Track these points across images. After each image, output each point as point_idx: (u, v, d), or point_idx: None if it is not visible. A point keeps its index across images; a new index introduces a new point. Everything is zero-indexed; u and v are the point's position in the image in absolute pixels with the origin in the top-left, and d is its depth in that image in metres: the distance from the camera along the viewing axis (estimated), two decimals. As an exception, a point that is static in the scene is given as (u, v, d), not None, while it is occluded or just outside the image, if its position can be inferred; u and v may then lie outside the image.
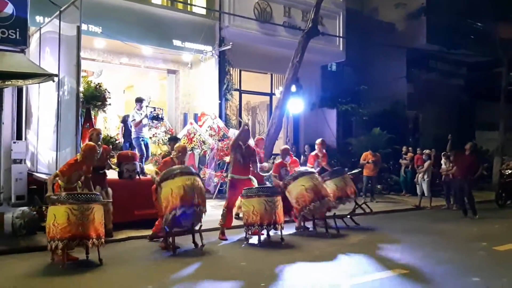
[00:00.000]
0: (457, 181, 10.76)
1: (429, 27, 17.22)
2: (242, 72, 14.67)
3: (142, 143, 9.76)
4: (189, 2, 12.36)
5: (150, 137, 12.00)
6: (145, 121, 10.04)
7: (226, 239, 7.30)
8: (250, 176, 7.34)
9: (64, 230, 5.37)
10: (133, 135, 9.75)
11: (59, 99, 8.52)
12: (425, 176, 12.21)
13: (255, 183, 7.26)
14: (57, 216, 5.45)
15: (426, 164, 12.25)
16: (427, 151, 12.54)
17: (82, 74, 9.53)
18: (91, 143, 6.74)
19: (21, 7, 9.16)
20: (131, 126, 9.78)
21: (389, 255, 6.55)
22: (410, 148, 14.47)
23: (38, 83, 7.71)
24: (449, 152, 11.13)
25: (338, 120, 16.16)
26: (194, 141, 11.87)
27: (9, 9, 9.05)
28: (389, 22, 18.23)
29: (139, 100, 9.86)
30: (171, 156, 7.24)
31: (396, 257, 6.43)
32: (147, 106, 10.15)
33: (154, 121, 10.51)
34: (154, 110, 10.35)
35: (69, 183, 6.05)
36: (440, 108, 17.45)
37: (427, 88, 17.18)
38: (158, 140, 12.26)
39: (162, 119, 10.55)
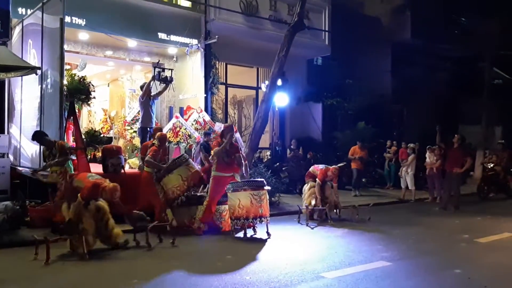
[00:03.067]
0: (447, 174, 10.89)
1: (414, 21, 17.39)
2: (228, 65, 14.60)
3: (149, 133, 9.30)
4: (174, -4, 12.23)
5: (135, 131, 11.92)
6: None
7: (201, 234, 7.29)
8: (233, 173, 7.39)
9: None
10: (139, 124, 9.36)
11: (42, 92, 8.43)
12: (409, 170, 12.36)
13: (238, 180, 7.33)
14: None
15: (410, 158, 12.39)
16: (411, 145, 12.68)
17: (66, 67, 9.41)
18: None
19: (3, -1, 9.04)
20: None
21: (372, 248, 6.64)
22: (394, 142, 14.63)
23: (21, 75, 7.62)
24: (438, 143, 11.15)
25: (324, 114, 16.22)
26: (179, 135, 11.78)
27: (-9, 0, 8.91)
28: (375, 17, 18.34)
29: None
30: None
31: (380, 250, 6.53)
32: (160, 69, 9.40)
33: (161, 83, 9.93)
34: (163, 70, 9.72)
35: None
36: (424, 102, 17.61)
37: (411, 82, 17.32)
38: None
39: (171, 81, 9.89)
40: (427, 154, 12.33)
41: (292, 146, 13.39)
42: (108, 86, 15.94)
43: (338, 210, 9.13)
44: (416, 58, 17.64)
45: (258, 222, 7.06)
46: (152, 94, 9.53)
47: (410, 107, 17.78)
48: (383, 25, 18.25)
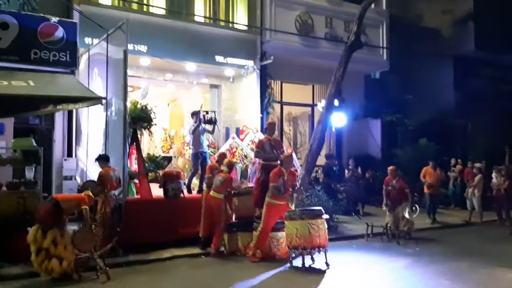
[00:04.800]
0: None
1: (478, 32, 16.60)
2: (283, 83, 14.62)
3: (201, 157, 9.55)
4: (230, 19, 12.44)
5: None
6: (208, 127, 9.86)
7: (257, 261, 7.27)
8: (287, 199, 7.35)
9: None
10: (191, 150, 9.70)
11: (107, 119, 8.81)
12: (476, 191, 11.74)
13: (292, 207, 7.28)
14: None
15: (476, 179, 11.77)
16: (477, 164, 12.07)
17: (128, 90, 9.77)
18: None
19: (71, 30, 9.56)
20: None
21: (439, 283, 6.31)
22: (459, 160, 13.97)
23: (87, 106, 8.00)
24: (508, 166, 10.54)
25: (383, 131, 15.78)
26: (236, 155, 11.91)
27: (60, 32, 9.45)
28: (435, 28, 17.70)
29: (194, 114, 9.74)
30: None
31: (446, 285, 6.19)
32: (205, 111, 9.91)
33: (207, 125, 10.17)
34: (207, 113, 10.15)
35: None
36: (490, 117, 16.69)
37: (476, 96, 16.51)
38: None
39: (215, 121, 10.20)
40: (494, 174, 11.66)
41: (350, 166, 13.12)
42: (168, 105, 16.43)
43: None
44: (481, 70, 16.82)
45: (316, 252, 6.93)
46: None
47: (474, 123, 16.93)
48: (444, 37, 17.58)
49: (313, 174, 12.81)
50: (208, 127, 9.98)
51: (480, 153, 14.52)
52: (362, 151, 15.16)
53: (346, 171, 12.81)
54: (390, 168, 9.86)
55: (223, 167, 8.17)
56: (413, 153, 13.90)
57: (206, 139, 10.09)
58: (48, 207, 6.09)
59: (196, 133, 9.47)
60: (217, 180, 7.87)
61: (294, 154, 10.09)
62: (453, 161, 14.08)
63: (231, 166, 8.34)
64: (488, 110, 16.60)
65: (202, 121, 9.56)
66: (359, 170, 13.12)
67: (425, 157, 13.05)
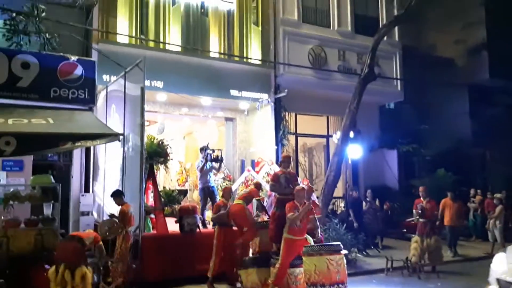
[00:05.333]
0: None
1: (492, 61, 16.61)
2: (298, 115, 14.69)
3: (207, 191, 9.77)
4: (245, 54, 12.65)
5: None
6: (209, 165, 10.20)
7: None
8: (306, 236, 7.24)
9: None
10: (199, 185, 9.90)
11: (124, 154, 8.91)
12: (497, 222, 11.47)
13: (311, 242, 7.16)
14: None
15: (497, 210, 11.53)
16: (497, 195, 11.84)
17: (145, 124, 9.94)
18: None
19: (90, 68, 9.82)
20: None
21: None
22: (478, 191, 13.73)
23: (105, 143, 8.10)
24: None
25: (400, 161, 15.65)
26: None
27: (79, 71, 9.71)
28: (448, 58, 17.75)
29: (202, 149, 10.04)
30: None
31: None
32: (211, 149, 10.32)
33: (213, 163, 10.56)
34: (213, 151, 10.58)
35: None
36: (509, 145, 16.46)
37: (493, 124, 16.34)
38: (217, 187, 12.41)
39: (221, 160, 10.68)
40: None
41: (367, 198, 12.95)
42: (184, 138, 16.57)
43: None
44: (496, 99, 16.72)
45: (335, 289, 6.77)
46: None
47: (492, 151, 16.72)
48: (458, 66, 17.61)
49: (330, 207, 12.70)
50: (215, 164, 10.33)
51: (500, 182, 14.27)
52: (379, 182, 15.01)
53: (364, 203, 12.64)
54: (421, 187, 9.78)
55: (239, 201, 8.15)
56: (431, 184, 13.63)
57: (213, 175, 10.51)
58: (74, 245, 6.08)
59: (204, 170, 9.83)
60: (243, 191, 7.91)
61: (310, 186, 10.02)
62: (472, 191, 13.84)
63: (258, 185, 8.55)
64: (505, 138, 16.39)
65: (209, 159, 9.89)
66: (377, 202, 12.93)
67: (443, 188, 12.86)
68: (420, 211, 9.32)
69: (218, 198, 9.93)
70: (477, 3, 16.89)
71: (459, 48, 17.33)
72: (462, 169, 14.97)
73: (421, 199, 9.57)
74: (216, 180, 12.46)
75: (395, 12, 14.13)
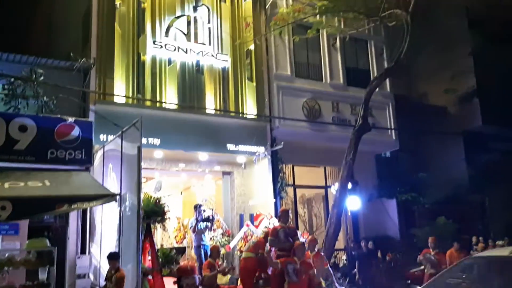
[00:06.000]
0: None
1: (484, 108, 16.90)
2: (295, 167, 14.71)
3: (202, 251, 9.85)
4: (240, 110, 12.85)
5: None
6: (204, 224, 10.22)
7: None
8: None
9: None
10: (194, 243, 9.90)
11: (121, 214, 8.80)
12: (502, 270, 11.21)
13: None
14: None
15: (501, 257, 11.30)
16: (499, 242, 11.70)
17: (142, 180, 9.95)
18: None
19: (87, 129, 9.84)
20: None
21: None
22: (480, 238, 13.55)
23: (102, 204, 8.04)
24: None
25: (399, 210, 15.54)
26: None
27: (76, 132, 9.73)
28: (441, 106, 18.06)
29: (195, 207, 10.16)
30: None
31: None
32: (201, 210, 10.44)
33: (205, 222, 10.79)
34: (204, 211, 10.77)
35: None
36: (508, 190, 16.44)
37: (490, 170, 16.39)
38: (216, 243, 12.22)
39: (213, 219, 10.91)
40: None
41: (370, 248, 12.74)
42: (181, 194, 16.50)
43: None
44: (492, 145, 16.85)
45: None
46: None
47: (492, 198, 16.65)
48: (450, 114, 17.90)
49: (332, 260, 12.47)
50: (206, 224, 10.66)
51: (501, 229, 14.11)
52: (380, 232, 14.81)
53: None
54: (430, 238, 9.61)
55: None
56: (432, 233, 13.47)
57: (207, 233, 10.80)
58: None
59: (197, 230, 10.14)
60: (250, 241, 8.10)
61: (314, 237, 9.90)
62: (474, 239, 13.67)
63: (267, 236, 8.48)
64: (504, 184, 16.39)
65: (200, 219, 9.98)
66: (379, 254, 12.71)
67: (445, 236, 12.69)
68: (432, 257, 9.14)
69: None
70: (465, 53, 17.42)
71: (450, 96, 17.69)
72: (463, 216, 14.85)
73: (430, 249, 9.44)
74: (215, 236, 12.36)
75: (385, 65, 14.55)
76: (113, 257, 7.52)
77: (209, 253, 9.82)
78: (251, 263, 7.93)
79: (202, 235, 10.04)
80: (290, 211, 9.03)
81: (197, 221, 10.01)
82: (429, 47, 16.89)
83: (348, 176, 10.88)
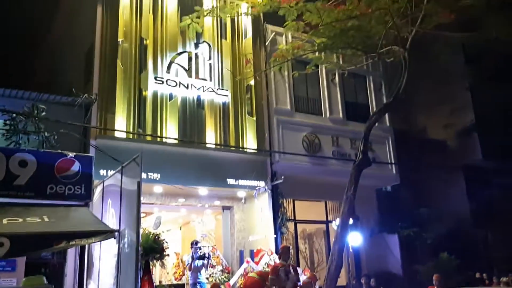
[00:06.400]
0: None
1: (483, 142, 16.94)
2: (296, 201, 14.61)
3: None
4: (240, 144, 12.89)
5: (207, 277, 11.89)
6: (200, 262, 10.11)
7: None
8: None
9: None
10: (190, 281, 9.77)
11: (119, 251, 8.68)
12: (508, 308, 11.00)
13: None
14: None
15: (506, 294, 11.11)
16: (504, 278, 11.49)
17: (141, 215, 9.88)
18: None
19: (87, 164, 9.84)
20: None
21: None
22: (484, 275, 13.31)
23: (100, 240, 7.94)
24: None
25: (401, 246, 15.32)
26: (251, 280, 11.48)
27: (76, 166, 9.73)
28: (440, 140, 18.12)
29: (192, 244, 10.13)
30: None
31: None
32: (198, 247, 10.39)
33: (201, 260, 10.81)
34: (200, 249, 10.82)
35: None
36: (511, 225, 16.28)
37: (492, 204, 16.29)
38: (215, 280, 12.01)
39: (209, 257, 10.95)
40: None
41: (372, 285, 12.49)
42: (180, 229, 16.34)
43: None
44: (492, 179, 16.79)
45: None
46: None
47: (495, 232, 16.46)
48: (450, 148, 17.93)
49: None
50: (202, 262, 10.75)
51: (504, 265, 13.87)
52: (382, 268, 14.56)
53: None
54: (435, 276, 9.44)
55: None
56: (435, 269, 13.26)
57: (204, 271, 10.92)
58: None
59: (193, 268, 10.22)
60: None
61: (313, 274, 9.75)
62: (477, 275, 13.42)
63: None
64: (506, 219, 16.24)
65: (196, 257, 9.96)
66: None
67: (448, 273, 12.47)
68: None
69: None
70: (463, 88, 17.62)
71: (450, 131, 17.78)
72: (465, 251, 14.63)
73: (434, 287, 9.27)
74: (214, 273, 12.16)
75: (384, 99, 14.68)
76: None
77: None
78: (253, 282, 7.77)
79: (198, 273, 9.98)
80: (291, 248, 8.91)
81: (193, 258, 9.95)
82: (427, 82, 17.09)
83: (349, 211, 10.73)
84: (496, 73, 16.78)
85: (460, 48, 16.92)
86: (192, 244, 10.45)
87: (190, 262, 9.99)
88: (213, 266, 12.25)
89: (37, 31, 19.06)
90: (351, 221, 10.97)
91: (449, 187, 16.81)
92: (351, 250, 13.26)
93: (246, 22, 14.12)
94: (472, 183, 17.03)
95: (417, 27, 9.91)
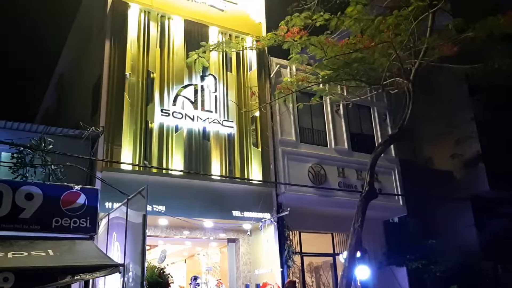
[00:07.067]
0: None
1: (490, 173, 16.80)
2: (302, 233, 14.44)
3: None
4: (246, 175, 12.88)
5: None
6: None
7: None
8: None
9: None
10: None
11: (124, 286, 8.57)
12: None
13: None
14: None
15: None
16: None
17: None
18: None
19: (93, 197, 9.90)
20: None
21: None
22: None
23: (105, 275, 7.88)
24: None
25: (410, 279, 15.01)
26: (258, 315, 11.29)
27: (82, 199, 9.78)
28: (447, 171, 18.02)
29: (191, 280, 10.06)
30: None
31: None
32: (197, 283, 10.33)
33: None
34: (199, 285, 10.91)
35: None
36: (521, 257, 16.00)
37: (501, 235, 16.00)
38: (221, 315, 11.82)
39: None
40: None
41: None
42: (185, 262, 16.16)
43: None
44: (500, 210, 16.56)
45: None
46: None
47: (504, 264, 16.12)
48: (457, 179, 17.80)
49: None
50: None
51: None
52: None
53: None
54: None
55: None
56: (446, 302, 13.03)
57: None
58: None
59: None
60: None
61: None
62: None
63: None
64: (516, 250, 15.96)
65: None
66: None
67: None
68: None
69: None
70: (468, 118, 17.63)
71: (456, 161, 17.70)
72: (475, 284, 14.33)
73: None
74: (219, 308, 11.96)
75: (389, 130, 14.70)
76: None
77: None
78: None
79: None
80: (297, 282, 8.75)
81: None
82: (432, 112, 17.13)
83: (357, 244, 10.58)
84: (501, 103, 16.82)
85: (463, 79, 17.01)
86: (191, 280, 10.37)
87: None
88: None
89: (46, 65, 19.44)
90: (358, 254, 10.83)
91: (457, 218, 16.61)
92: (359, 283, 12.99)
93: (251, 55, 14.35)
94: (480, 214, 16.80)
95: (420, 59, 10.00)
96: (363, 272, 11.87)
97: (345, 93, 14.12)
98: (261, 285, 12.30)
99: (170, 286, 8.66)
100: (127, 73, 12.06)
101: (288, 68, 14.68)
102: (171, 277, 8.74)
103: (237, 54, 14.05)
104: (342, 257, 11.76)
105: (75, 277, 7.10)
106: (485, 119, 17.45)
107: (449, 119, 17.74)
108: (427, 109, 16.15)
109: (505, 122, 16.75)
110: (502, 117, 16.89)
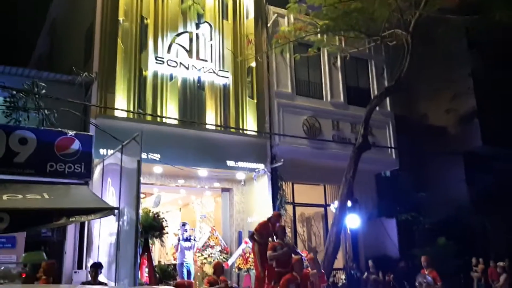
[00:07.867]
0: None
1: (484, 128, 16.88)
2: (295, 184, 14.63)
3: (185, 269, 9.94)
4: (241, 126, 12.87)
5: (205, 257, 12.01)
6: (186, 244, 10.33)
7: None
8: None
9: None
10: (178, 261, 9.97)
11: (119, 229, 8.73)
12: (503, 292, 11.12)
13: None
14: None
15: (502, 279, 11.27)
16: (500, 263, 11.58)
17: (141, 196, 9.95)
18: None
19: (87, 143, 9.90)
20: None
21: None
22: (480, 259, 13.40)
23: (100, 217, 8.01)
24: None
25: (399, 230, 15.39)
26: (249, 261, 11.60)
27: (76, 145, 9.79)
28: (441, 126, 18.08)
29: (180, 225, 10.36)
30: None
31: None
32: (185, 228, 10.62)
33: (187, 242, 11.10)
34: (187, 231, 11.14)
35: None
36: (509, 211, 16.32)
37: (491, 190, 16.27)
38: (214, 260, 12.12)
39: (194, 240, 11.37)
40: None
41: (371, 270, 12.56)
42: (180, 210, 16.41)
43: None
44: (492, 165, 16.76)
45: None
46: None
47: (493, 218, 16.50)
48: (451, 134, 17.89)
49: (331, 279, 12.33)
50: (187, 243, 10.99)
51: (502, 250, 13.96)
52: (379, 251, 14.63)
53: (366, 274, 12.27)
54: (423, 257, 9.53)
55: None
56: (432, 253, 13.35)
57: (193, 253, 11.31)
58: None
59: (180, 248, 10.54)
60: None
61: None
62: (474, 260, 13.54)
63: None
64: (505, 205, 16.27)
65: (182, 239, 10.69)
66: (380, 275, 12.56)
67: (446, 257, 12.55)
68: (428, 277, 9.03)
69: (192, 275, 10.24)
70: (465, 73, 17.50)
71: (451, 116, 17.73)
72: (463, 237, 14.68)
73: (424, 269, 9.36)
74: (213, 253, 12.26)
75: (386, 84, 14.61)
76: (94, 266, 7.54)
77: (192, 272, 10.02)
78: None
79: (183, 254, 10.27)
80: (282, 216, 9.02)
81: (179, 240, 10.26)
82: (429, 67, 16.97)
83: (348, 193, 10.82)
84: (499, 58, 16.65)
85: (463, 33, 16.74)
86: (180, 226, 10.68)
87: (177, 243, 10.23)
88: (211, 247, 12.35)
89: (38, 10, 18.93)
90: (349, 203, 11.07)
91: (448, 173, 16.82)
92: (348, 232, 13.34)
93: (248, 3, 13.99)
94: (471, 169, 17.01)
95: (421, 10, 9.82)
96: (353, 221, 12.14)
97: (343, 45, 13.92)
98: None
99: (164, 230, 8.86)
100: (120, 18, 11.77)
101: (286, 18, 14.35)
102: (166, 221, 8.91)
103: (234, 1, 13.71)
104: (334, 206, 12.00)
105: (70, 219, 7.20)
106: (482, 75, 17.33)
107: (446, 74, 17.60)
108: (425, 63, 15.99)
109: (502, 78, 16.65)
110: (499, 73, 16.78)
